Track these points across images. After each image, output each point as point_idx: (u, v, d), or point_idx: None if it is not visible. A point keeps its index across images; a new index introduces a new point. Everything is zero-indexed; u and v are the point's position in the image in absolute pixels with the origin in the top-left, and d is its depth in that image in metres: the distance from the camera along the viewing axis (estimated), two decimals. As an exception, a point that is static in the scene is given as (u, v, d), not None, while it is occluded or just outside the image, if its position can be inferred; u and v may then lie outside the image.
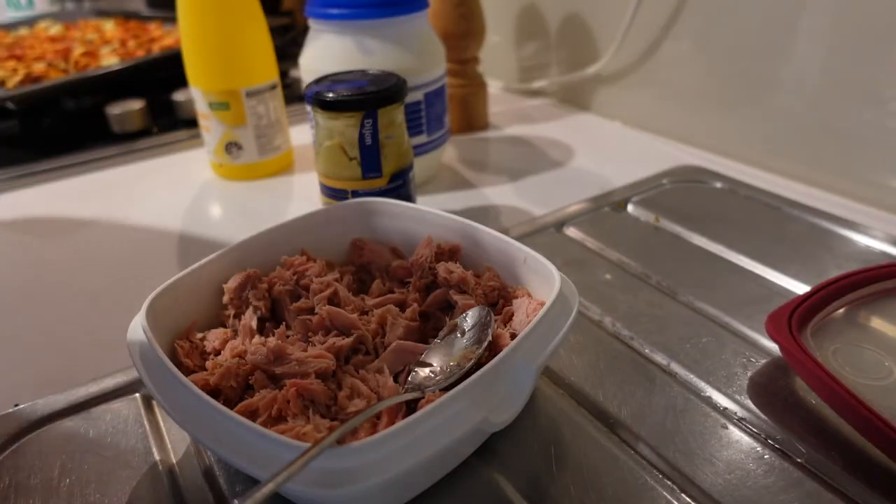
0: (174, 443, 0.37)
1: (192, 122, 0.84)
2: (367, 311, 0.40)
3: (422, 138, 0.65)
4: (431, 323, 0.41)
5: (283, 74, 0.92)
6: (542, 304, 0.37)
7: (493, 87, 0.95)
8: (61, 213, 0.66)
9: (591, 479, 0.33)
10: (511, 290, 0.40)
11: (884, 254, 0.52)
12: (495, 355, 0.31)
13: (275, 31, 0.72)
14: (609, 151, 0.75)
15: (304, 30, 0.66)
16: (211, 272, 0.40)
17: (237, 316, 0.40)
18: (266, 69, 0.68)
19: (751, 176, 0.67)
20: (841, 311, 0.42)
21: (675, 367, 0.41)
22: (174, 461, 0.36)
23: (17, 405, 0.39)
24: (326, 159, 0.54)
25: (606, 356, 0.42)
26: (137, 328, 0.34)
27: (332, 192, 0.55)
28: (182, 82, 0.73)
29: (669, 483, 0.33)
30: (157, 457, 0.36)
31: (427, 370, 0.35)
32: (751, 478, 0.33)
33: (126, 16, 1.25)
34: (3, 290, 0.53)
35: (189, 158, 0.78)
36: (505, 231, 0.57)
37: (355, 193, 0.54)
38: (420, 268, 0.42)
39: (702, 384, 0.39)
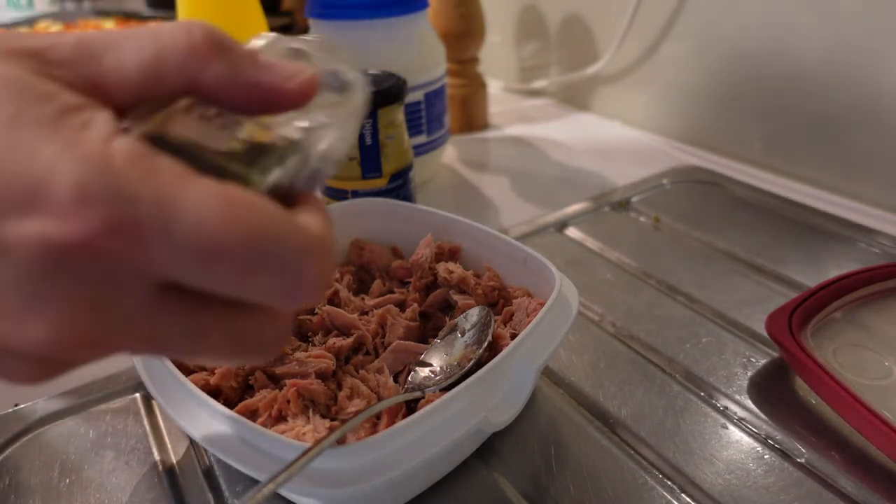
0: (174, 443, 0.37)
1: (192, 122, 0.84)
2: (367, 311, 0.40)
3: (422, 138, 0.65)
4: (431, 323, 0.41)
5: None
6: (542, 304, 0.37)
7: (493, 87, 0.95)
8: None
9: (590, 479, 0.33)
10: (511, 290, 0.40)
11: (884, 254, 0.52)
12: (495, 355, 0.31)
13: (275, 32, 0.72)
14: (609, 151, 0.75)
15: (304, 30, 0.66)
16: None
17: (237, 316, 0.39)
18: (266, 69, 0.67)
19: (751, 176, 0.67)
20: (841, 311, 0.42)
21: (675, 367, 0.41)
22: (174, 461, 0.36)
23: (17, 405, 0.39)
24: (326, 159, 0.54)
25: (606, 356, 0.42)
26: (137, 328, 0.34)
27: (332, 192, 0.55)
28: (182, 82, 0.73)
29: (669, 483, 0.33)
30: (157, 457, 0.36)
31: (427, 370, 0.35)
32: (751, 478, 0.33)
33: (126, 16, 1.25)
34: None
35: (189, 158, 0.78)
36: (505, 231, 0.57)
37: (355, 193, 0.54)
38: (420, 268, 0.42)
39: (702, 384, 0.39)
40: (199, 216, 0.16)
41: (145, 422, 0.38)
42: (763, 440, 0.35)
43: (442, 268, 0.41)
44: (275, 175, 0.20)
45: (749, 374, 0.40)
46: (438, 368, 0.35)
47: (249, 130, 0.21)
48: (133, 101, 0.19)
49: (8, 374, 0.19)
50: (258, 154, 0.20)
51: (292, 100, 0.21)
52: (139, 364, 0.33)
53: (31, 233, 0.16)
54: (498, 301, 0.40)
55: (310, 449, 0.25)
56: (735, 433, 0.36)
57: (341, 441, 0.29)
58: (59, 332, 0.16)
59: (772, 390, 0.39)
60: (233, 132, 0.20)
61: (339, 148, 0.22)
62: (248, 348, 0.20)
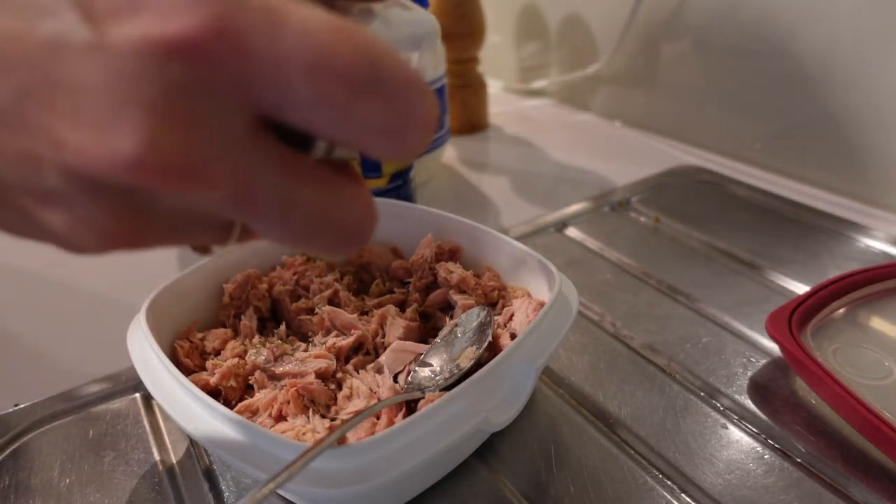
0: (174, 443, 0.37)
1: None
2: (367, 311, 0.40)
3: (422, 138, 0.65)
4: (431, 323, 0.41)
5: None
6: (542, 304, 0.37)
7: (493, 87, 0.95)
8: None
9: (590, 478, 0.33)
10: (511, 290, 0.40)
11: (884, 254, 0.52)
12: (495, 355, 0.31)
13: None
14: (609, 151, 0.75)
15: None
16: (211, 272, 0.40)
17: (237, 316, 0.40)
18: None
19: (750, 176, 0.67)
20: (841, 311, 0.42)
21: (675, 367, 0.41)
22: (174, 461, 0.36)
23: (17, 405, 0.39)
24: (326, 159, 0.54)
25: (606, 356, 0.42)
26: (137, 328, 0.34)
27: (332, 192, 0.55)
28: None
29: (669, 483, 0.33)
30: (157, 457, 0.36)
31: (427, 370, 0.35)
32: (751, 478, 0.33)
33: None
34: (3, 290, 0.53)
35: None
36: (505, 231, 0.57)
37: (355, 193, 0.54)
38: (420, 268, 0.42)
39: (702, 384, 0.39)
40: (309, 28, 0.15)
41: (145, 422, 0.38)
42: (763, 440, 0.35)
43: (442, 268, 0.41)
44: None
45: (749, 374, 0.40)
46: (438, 368, 0.35)
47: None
48: None
49: (72, 224, 0.17)
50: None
51: None
52: (139, 364, 0.33)
53: (133, 31, 0.14)
54: (498, 301, 0.40)
55: (310, 449, 0.25)
56: (735, 433, 0.36)
57: (341, 441, 0.29)
58: (148, 144, 0.15)
59: (772, 390, 0.39)
60: None
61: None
62: (338, 223, 0.18)
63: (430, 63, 0.23)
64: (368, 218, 0.19)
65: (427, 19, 0.23)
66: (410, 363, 0.36)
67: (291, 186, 0.17)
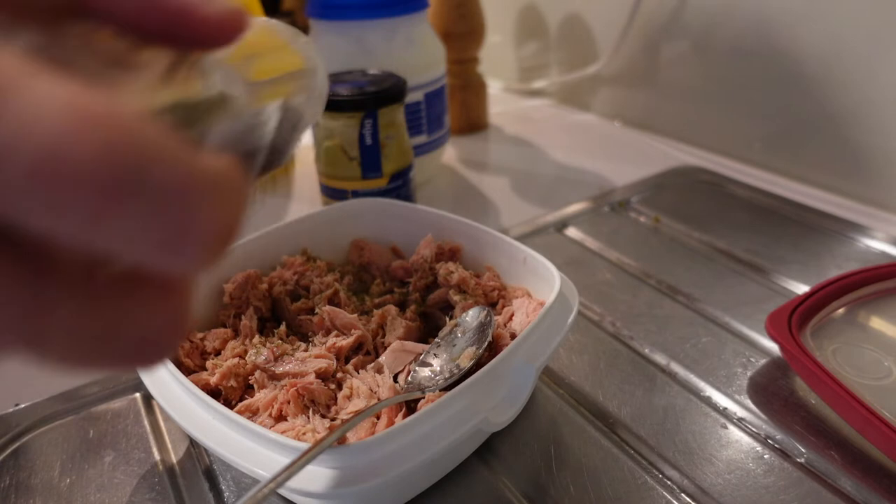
0: (174, 443, 0.37)
1: (192, 122, 0.84)
2: (367, 311, 0.40)
3: (422, 138, 0.65)
4: (431, 323, 0.41)
5: (283, 74, 0.92)
6: (542, 304, 0.37)
7: (493, 87, 0.95)
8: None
9: (590, 478, 0.33)
10: (511, 290, 0.40)
11: (884, 254, 0.52)
12: (495, 355, 0.31)
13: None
14: (609, 151, 0.75)
15: (305, 30, 0.66)
16: (211, 272, 0.40)
17: (237, 316, 0.40)
18: (266, 69, 0.67)
19: (751, 176, 0.67)
20: (841, 311, 0.42)
21: (675, 367, 0.41)
22: (174, 461, 0.36)
23: (17, 405, 0.39)
24: (326, 159, 0.54)
25: (606, 356, 0.42)
26: (137, 328, 0.34)
27: (332, 192, 0.55)
28: (182, 82, 0.73)
29: (669, 483, 0.33)
30: (157, 457, 0.36)
31: (427, 370, 0.35)
32: (751, 478, 0.33)
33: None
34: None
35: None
36: (505, 231, 0.57)
37: (355, 193, 0.54)
38: (420, 268, 0.42)
39: (702, 384, 0.39)
40: (43, 111, 0.11)
41: (145, 422, 0.38)
42: (763, 440, 0.35)
43: (442, 268, 0.41)
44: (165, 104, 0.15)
45: (749, 374, 0.40)
46: (438, 368, 0.35)
47: (153, 58, 0.15)
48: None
49: None
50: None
51: (208, 28, 0.15)
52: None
53: None
54: (498, 301, 0.40)
55: (310, 449, 0.25)
56: (735, 433, 0.36)
57: (341, 441, 0.29)
58: None
59: (772, 390, 0.39)
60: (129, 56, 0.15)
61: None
62: (121, 342, 0.13)
63: (314, 117, 0.19)
64: (168, 329, 0.14)
65: (309, 62, 0.18)
66: (410, 363, 0.36)
67: (41, 309, 0.13)
